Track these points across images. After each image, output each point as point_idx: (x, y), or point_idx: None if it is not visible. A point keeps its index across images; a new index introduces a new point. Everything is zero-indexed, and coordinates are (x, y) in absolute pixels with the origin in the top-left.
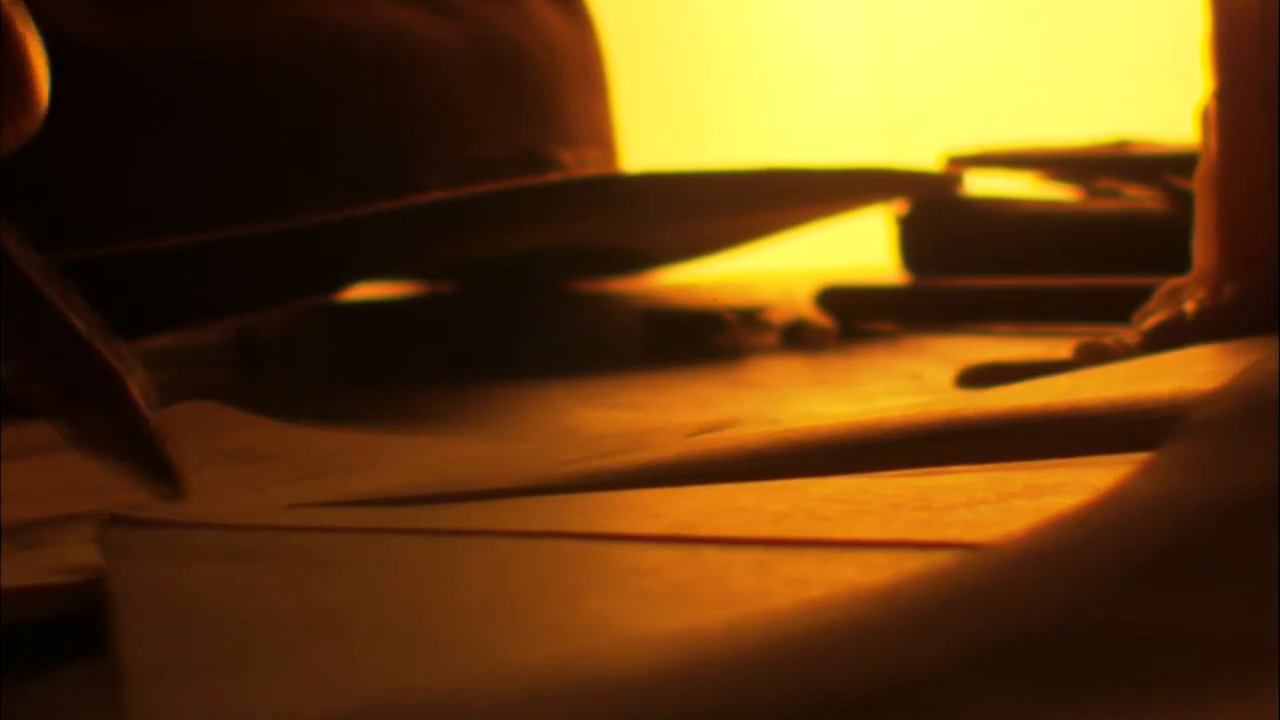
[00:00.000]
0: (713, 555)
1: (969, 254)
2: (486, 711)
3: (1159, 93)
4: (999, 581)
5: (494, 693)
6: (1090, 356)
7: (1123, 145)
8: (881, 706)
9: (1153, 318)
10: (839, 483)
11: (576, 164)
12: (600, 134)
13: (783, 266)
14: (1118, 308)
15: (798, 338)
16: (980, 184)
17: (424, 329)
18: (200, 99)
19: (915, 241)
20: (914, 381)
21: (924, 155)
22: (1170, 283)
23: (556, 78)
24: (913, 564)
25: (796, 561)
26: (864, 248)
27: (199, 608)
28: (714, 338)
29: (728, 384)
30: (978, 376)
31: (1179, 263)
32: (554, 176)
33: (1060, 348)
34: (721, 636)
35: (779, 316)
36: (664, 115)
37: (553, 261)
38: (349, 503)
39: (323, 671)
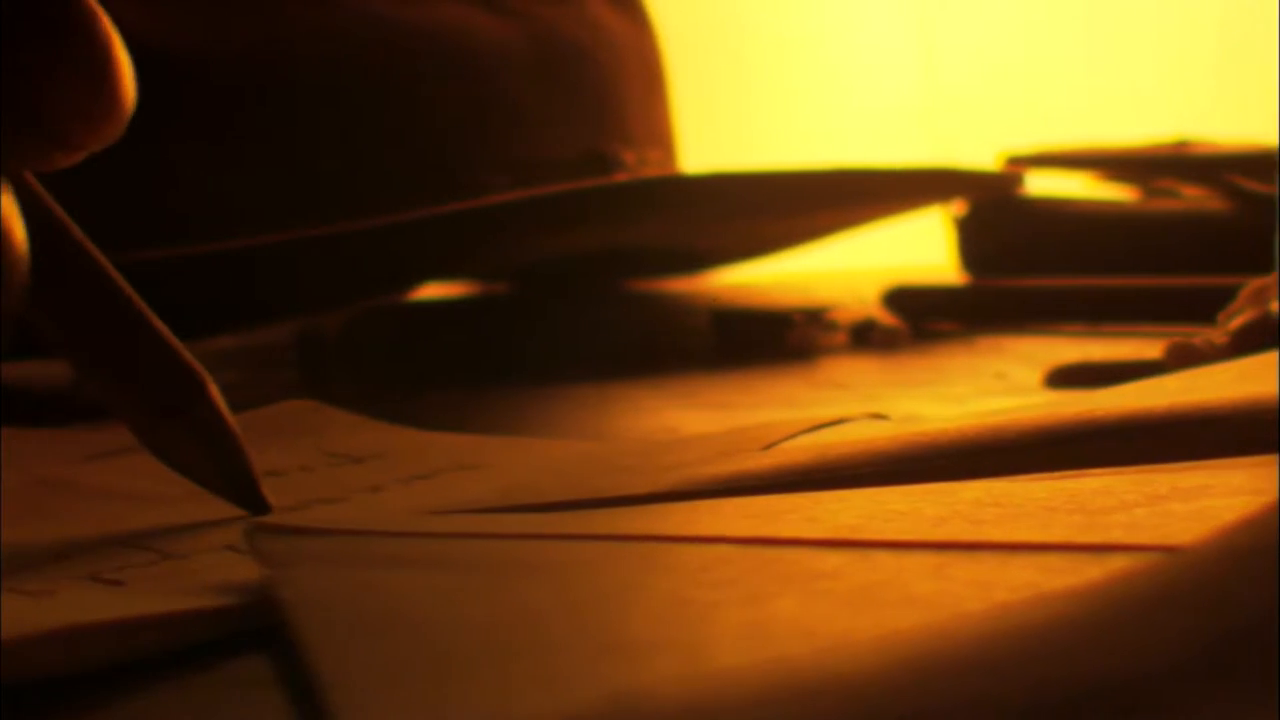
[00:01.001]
0: (885, 559)
1: (1029, 254)
2: (720, 716)
3: (1203, 91)
4: (1203, 581)
5: (724, 697)
6: (1181, 357)
7: (1182, 145)
8: (1095, 706)
9: (1239, 318)
10: (986, 486)
11: (639, 164)
12: (660, 134)
13: (835, 266)
14: (1191, 307)
15: (867, 338)
16: (1037, 184)
17: (484, 329)
18: (274, 99)
19: (974, 241)
20: (1000, 382)
21: (967, 155)
22: (1255, 283)
23: (617, 77)
24: (1090, 568)
25: (971, 564)
26: (911, 247)
27: (386, 615)
28: (783, 337)
29: (811, 384)
30: (1067, 377)
31: (1239, 262)
32: (621, 177)
33: (1137, 347)
34: (934, 638)
35: (845, 316)
36: (707, 115)
37: (611, 261)
38: (493, 509)
39: (535, 677)
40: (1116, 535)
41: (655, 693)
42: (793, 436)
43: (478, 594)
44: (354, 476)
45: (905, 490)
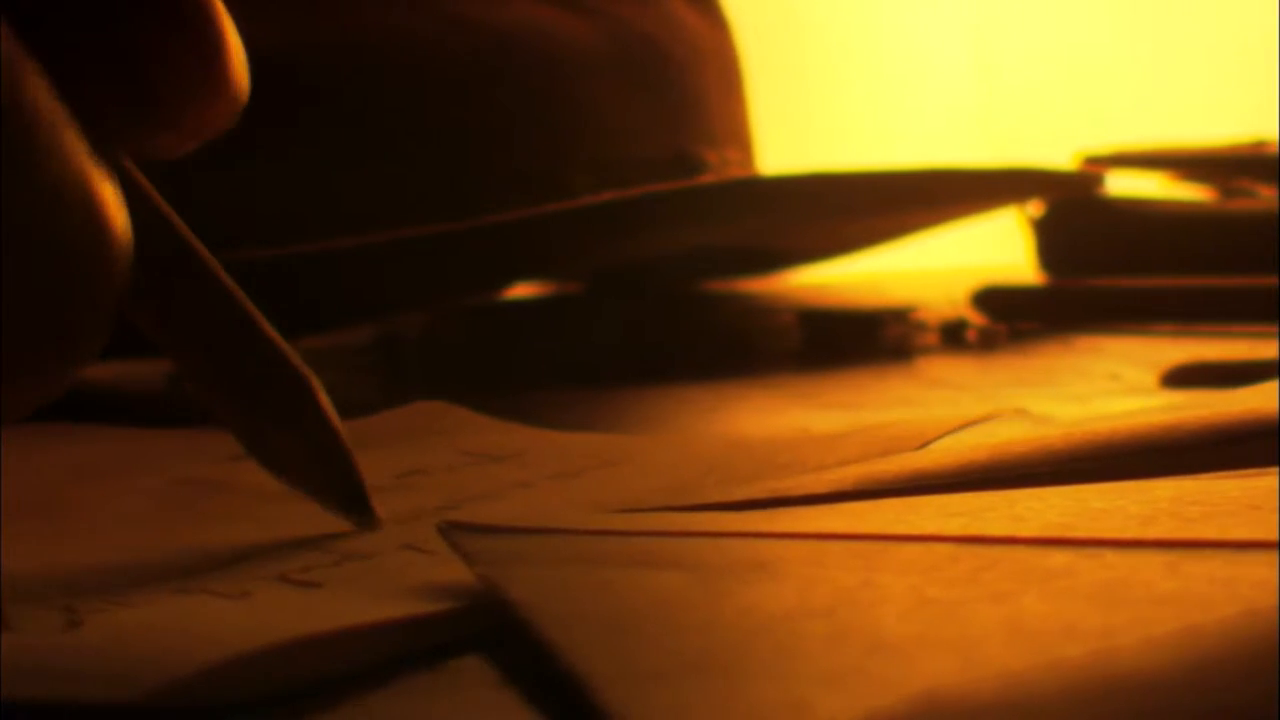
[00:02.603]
0: (1113, 556)
1: (1108, 254)
2: (1036, 712)
3: (1263, 93)
4: None
5: (1023, 698)
6: None
7: (1260, 145)
8: None
9: None
10: (1177, 484)
11: (721, 164)
12: (739, 134)
13: (908, 266)
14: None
15: (959, 337)
16: (1113, 184)
17: (566, 329)
18: (357, 101)
19: (1053, 242)
20: (1116, 382)
21: (1025, 156)
22: None
23: (698, 77)
24: None
25: (1202, 562)
26: (981, 247)
27: (634, 614)
28: (875, 337)
29: (921, 383)
30: (1185, 376)
31: None
32: (707, 178)
33: (1248, 347)
34: (1215, 635)
35: (932, 316)
36: (768, 116)
37: (691, 261)
38: (675, 508)
39: (821, 675)
40: None
41: (965, 693)
42: (946, 435)
43: (719, 592)
44: (501, 474)
45: (1100, 489)
